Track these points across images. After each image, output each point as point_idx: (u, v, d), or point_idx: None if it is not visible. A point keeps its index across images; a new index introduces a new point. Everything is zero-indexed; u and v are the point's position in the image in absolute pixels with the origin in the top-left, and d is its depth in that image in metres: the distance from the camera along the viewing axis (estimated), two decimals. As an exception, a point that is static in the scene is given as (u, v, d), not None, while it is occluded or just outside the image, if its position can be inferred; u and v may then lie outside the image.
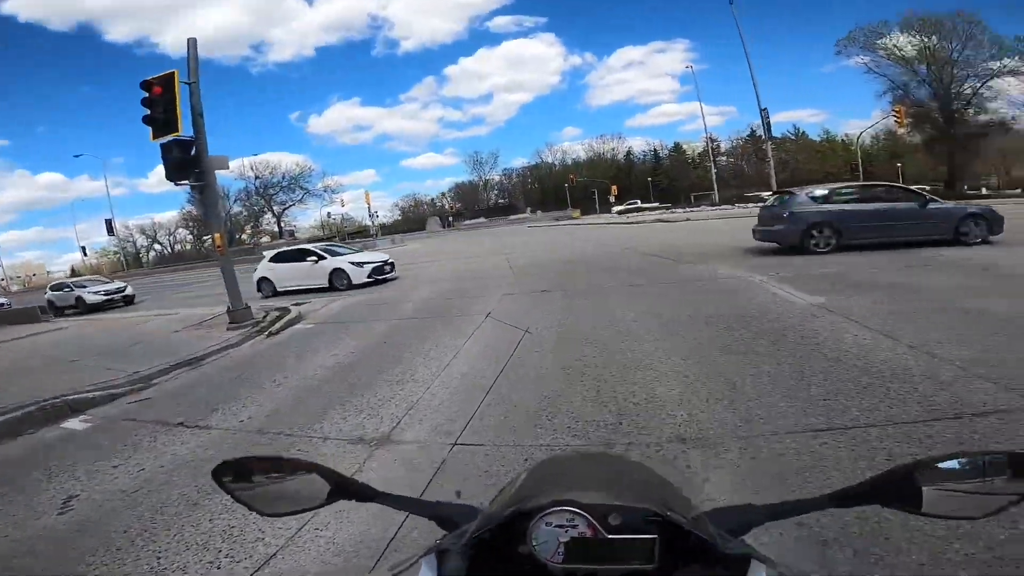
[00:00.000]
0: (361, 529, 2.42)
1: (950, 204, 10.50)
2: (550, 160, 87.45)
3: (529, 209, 72.93)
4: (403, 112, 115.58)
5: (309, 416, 4.08)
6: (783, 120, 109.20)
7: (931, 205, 9.89)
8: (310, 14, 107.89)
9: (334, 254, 13.83)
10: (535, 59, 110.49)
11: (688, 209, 46.48)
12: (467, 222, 69.12)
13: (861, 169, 46.94)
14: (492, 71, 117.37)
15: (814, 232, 10.02)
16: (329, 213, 70.95)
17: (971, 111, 47.49)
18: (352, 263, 13.10)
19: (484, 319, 6.79)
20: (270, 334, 7.84)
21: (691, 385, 3.76)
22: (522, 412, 3.58)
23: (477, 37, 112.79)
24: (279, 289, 13.44)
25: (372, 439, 3.51)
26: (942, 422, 2.74)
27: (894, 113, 41.09)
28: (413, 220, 79.52)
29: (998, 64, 46.17)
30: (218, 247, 8.62)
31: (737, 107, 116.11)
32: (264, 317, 8.77)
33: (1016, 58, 45.96)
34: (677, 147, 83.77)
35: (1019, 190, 46.81)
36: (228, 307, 8.50)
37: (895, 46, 48.65)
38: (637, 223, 31.82)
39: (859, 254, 9.15)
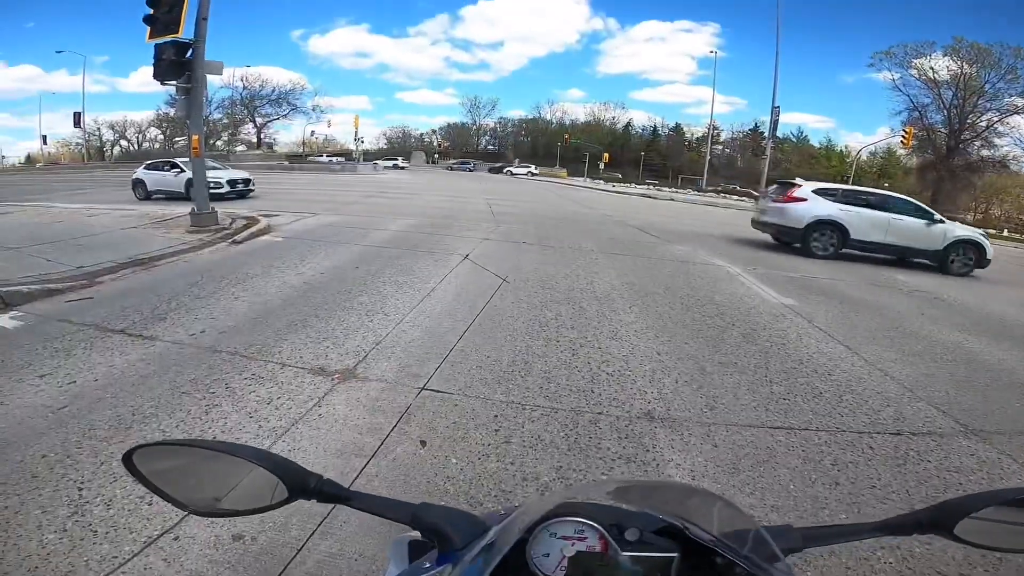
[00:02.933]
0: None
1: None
2: (548, 117, 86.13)
3: (517, 161, 68.84)
4: (410, 45, 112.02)
5: (268, 337, 3.73)
6: (789, 121, 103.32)
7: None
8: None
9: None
10: (558, 14, 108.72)
11: (674, 191, 46.81)
12: (452, 162, 66.92)
13: (852, 180, 45.33)
14: (510, 19, 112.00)
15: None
16: (313, 132, 70.88)
17: (977, 144, 49.67)
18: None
19: (462, 260, 6.56)
20: (234, 242, 7.30)
21: (663, 364, 3.65)
22: (495, 365, 3.43)
23: None
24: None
25: (334, 371, 3.21)
26: (884, 436, 2.87)
27: (903, 133, 40.55)
28: (398, 151, 76.84)
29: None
30: (194, 148, 8.34)
31: (748, 100, 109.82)
32: (231, 224, 8.34)
33: None
34: (678, 128, 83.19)
35: (991, 229, 46.99)
36: (192, 209, 8.18)
37: (931, 67, 49.42)
38: (621, 193, 31.98)
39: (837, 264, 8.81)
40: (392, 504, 0.59)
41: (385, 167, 51.60)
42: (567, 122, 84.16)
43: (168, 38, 7.63)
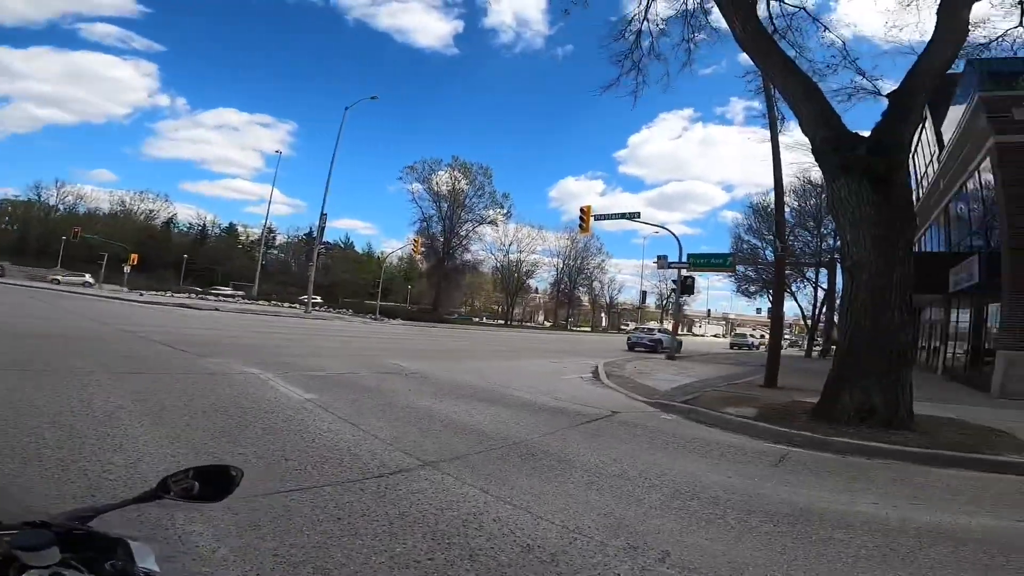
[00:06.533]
0: None
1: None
2: (53, 201, 69.58)
3: None
4: None
5: None
6: (341, 226, 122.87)
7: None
8: None
9: None
10: (109, 82, 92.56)
11: (220, 299, 44.52)
12: None
13: (381, 286, 55.48)
14: (35, 74, 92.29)
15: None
16: None
17: (460, 250, 62.95)
18: None
19: None
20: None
21: (178, 463, 3.63)
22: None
23: (55, 34, 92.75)
24: None
25: None
26: (371, 479, 3.85)
27: (413, 242, 51.51)
28: None
29: (490, 213, 63.62)
30: None
31: (309, 203, 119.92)
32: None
33: (498, 210, 64.31)
34: (231, 228, 79.13)
35: (476, 318, 70.57)
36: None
37: (438, 183, 61.36)
38: (154, 304, 28.66)
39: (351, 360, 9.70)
40: None
41: None
42: (82, 210, 67.30)
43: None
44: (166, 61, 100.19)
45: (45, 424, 4.24)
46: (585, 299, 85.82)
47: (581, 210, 24.77)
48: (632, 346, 27.91)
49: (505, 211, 65.04)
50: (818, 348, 39.33)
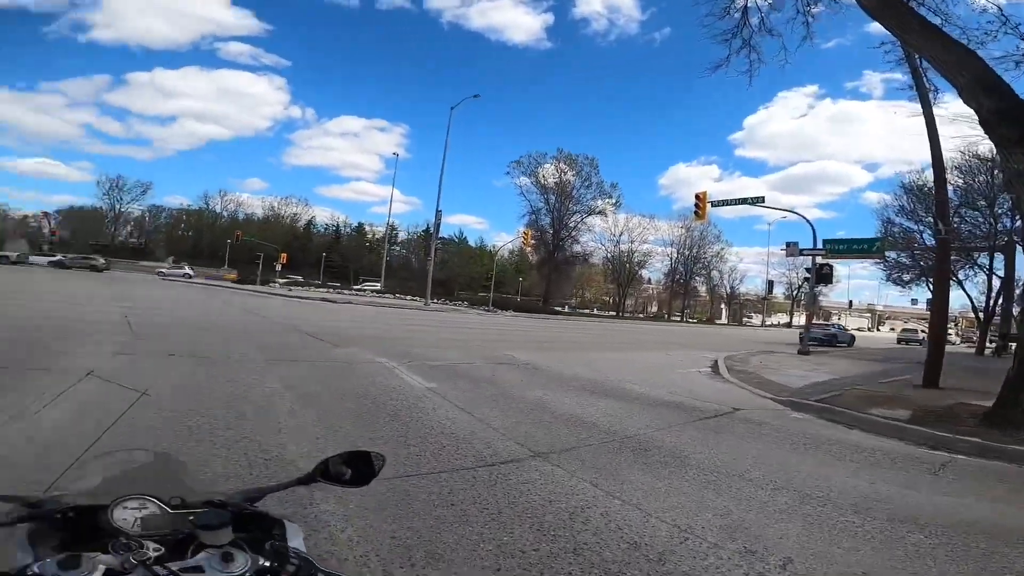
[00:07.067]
0: None
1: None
2: (218, 209, 78.65)
3: (171, 259, 62.71)
4: (38, 102, 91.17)
5: None
6: (455, 222, 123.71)
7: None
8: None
9: None
10: (252, 97, 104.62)
11: (353, 293, 49.15)
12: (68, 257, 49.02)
13: (493, 279, 57.57)
14: (190, 93, 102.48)
15: None
16: None
17: (569, 241, 62.90)
18: None
19: (85, 377, 5.58)
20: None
21: (319, 445, 4.12)
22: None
23: (197, 55, 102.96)
24: None
25: None
26: (483, 468, 4.00)
27: (523, 235, 51.72)
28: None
29: (598, 203, 62.61)
30: None
31: (424, 201, 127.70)
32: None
33: (606, 200, 63.18)
34: (360, 228, 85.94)
35: (584, 310, 69.89)
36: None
37: (544, 175, 61.49)
38: (299, 299, 32.81)
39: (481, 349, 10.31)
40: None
41: None
42: (241, 216, 77.63)
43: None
44: (293, 75, 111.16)
45: (218, 407, 4.97)
46: (702, 289, 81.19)
47: (696, 196, 23.42)
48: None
49: (614, 201, 63.67)
50: (992, 344, 33.32)
